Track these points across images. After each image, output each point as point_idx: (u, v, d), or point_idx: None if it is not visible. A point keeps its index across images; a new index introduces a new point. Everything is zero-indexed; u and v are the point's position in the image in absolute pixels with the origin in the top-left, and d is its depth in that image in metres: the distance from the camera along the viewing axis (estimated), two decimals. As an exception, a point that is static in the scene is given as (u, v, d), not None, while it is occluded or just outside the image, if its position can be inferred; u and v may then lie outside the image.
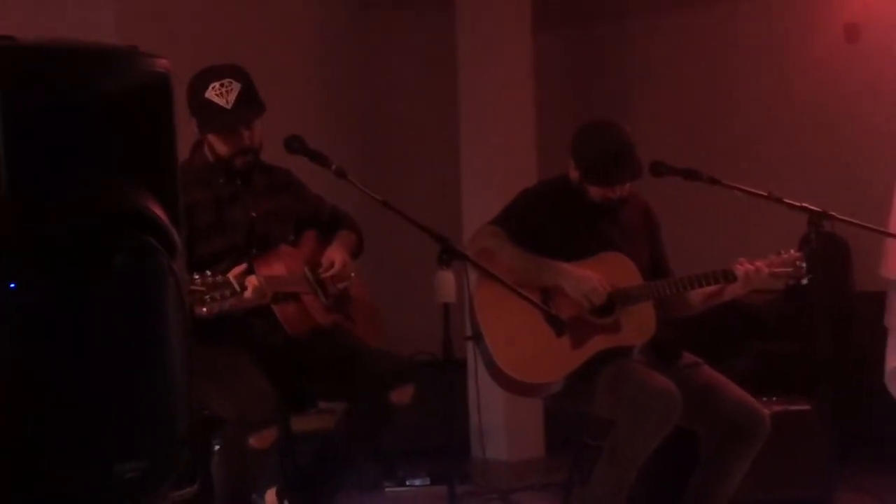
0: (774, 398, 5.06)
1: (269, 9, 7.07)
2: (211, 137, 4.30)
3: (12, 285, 2.15)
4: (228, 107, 4.20)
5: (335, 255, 4.46)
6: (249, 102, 4.25)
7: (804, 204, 4.34)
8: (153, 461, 2.34)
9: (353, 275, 4.48)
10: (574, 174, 4.53)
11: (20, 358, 2.21)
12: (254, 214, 4.35)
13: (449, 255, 3.81)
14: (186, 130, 4.09)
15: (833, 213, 4.31)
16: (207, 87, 4.20)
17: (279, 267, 4.30)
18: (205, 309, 3.87)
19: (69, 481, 2.27)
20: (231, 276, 4.00)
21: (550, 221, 4.54)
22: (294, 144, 4.13)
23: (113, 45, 2.38)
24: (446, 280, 3.81)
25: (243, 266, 4.10)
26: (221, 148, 4.29)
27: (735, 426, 4.34)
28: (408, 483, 6.18)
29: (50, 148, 2.29)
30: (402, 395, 4.29)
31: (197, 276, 3.85)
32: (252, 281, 4.05)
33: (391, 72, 7.67)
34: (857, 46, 6.83)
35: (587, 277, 4.42)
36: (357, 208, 4.71)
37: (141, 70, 2.38)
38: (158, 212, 2.34)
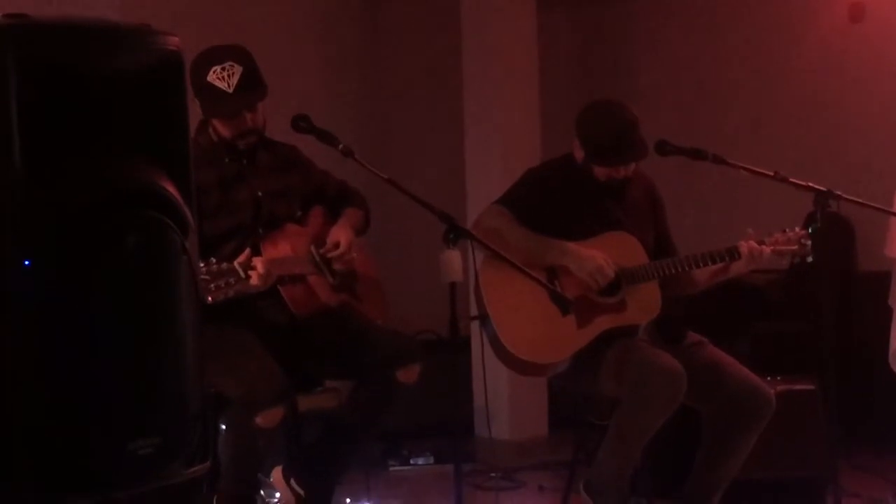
0: (778, 377, 5.06)
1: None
2: (214, 120, 4.30)
3: (27, 263, 2.16)
4: (230, 90, 4.19)
5: (340, 234, 4.45)
6: (251, 85, 4.24)
7: (809, 183, 4.33)
8: (166, 438, 2.36)
9: (354, 255, 4.47)
10: (579, 154, 4.53)
11: (35, 336, 2.22)
12: (259, 194, 4.35)
13: (455, 234, 3.79)
14: (192, 108, 4.08)
15: (839, 193, 4.29)
16: (209, 71, 4.19)
17: (285, 247, 4.30)
18: (210, 298, 3.87)
19: (83, 458, 2.28)
20: (236, 263, 4.00)
21: (555, 201, 4.53)
22: (301, 123, 4.13)
23: (125, 23, 2.38)
24: (453, 259, 3.77)
25: (248, 252, 4.09)
26: (224, 130, 4.29)
27: (740, 405, 4.35)
28: (412, 462, 6.19)
29: (63, 126, 2.29)
30: (408, 374, 4.30)
31: (202, 265, 3.83)
32: (258, 268, 4.05)
33: (395, 52, 7.65)
34: (861, 26, 6.82)
35: (592, 257, 4.42)
36: (362, 188, 4.72)
37: (153, 48, 2.38)
38: (171, 190, 2.34)
